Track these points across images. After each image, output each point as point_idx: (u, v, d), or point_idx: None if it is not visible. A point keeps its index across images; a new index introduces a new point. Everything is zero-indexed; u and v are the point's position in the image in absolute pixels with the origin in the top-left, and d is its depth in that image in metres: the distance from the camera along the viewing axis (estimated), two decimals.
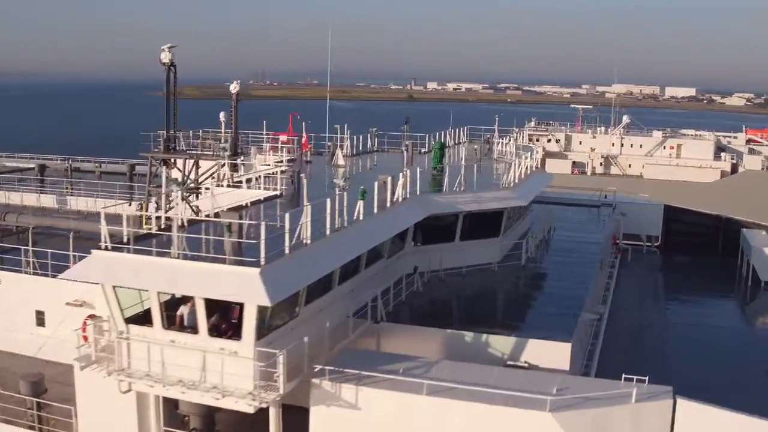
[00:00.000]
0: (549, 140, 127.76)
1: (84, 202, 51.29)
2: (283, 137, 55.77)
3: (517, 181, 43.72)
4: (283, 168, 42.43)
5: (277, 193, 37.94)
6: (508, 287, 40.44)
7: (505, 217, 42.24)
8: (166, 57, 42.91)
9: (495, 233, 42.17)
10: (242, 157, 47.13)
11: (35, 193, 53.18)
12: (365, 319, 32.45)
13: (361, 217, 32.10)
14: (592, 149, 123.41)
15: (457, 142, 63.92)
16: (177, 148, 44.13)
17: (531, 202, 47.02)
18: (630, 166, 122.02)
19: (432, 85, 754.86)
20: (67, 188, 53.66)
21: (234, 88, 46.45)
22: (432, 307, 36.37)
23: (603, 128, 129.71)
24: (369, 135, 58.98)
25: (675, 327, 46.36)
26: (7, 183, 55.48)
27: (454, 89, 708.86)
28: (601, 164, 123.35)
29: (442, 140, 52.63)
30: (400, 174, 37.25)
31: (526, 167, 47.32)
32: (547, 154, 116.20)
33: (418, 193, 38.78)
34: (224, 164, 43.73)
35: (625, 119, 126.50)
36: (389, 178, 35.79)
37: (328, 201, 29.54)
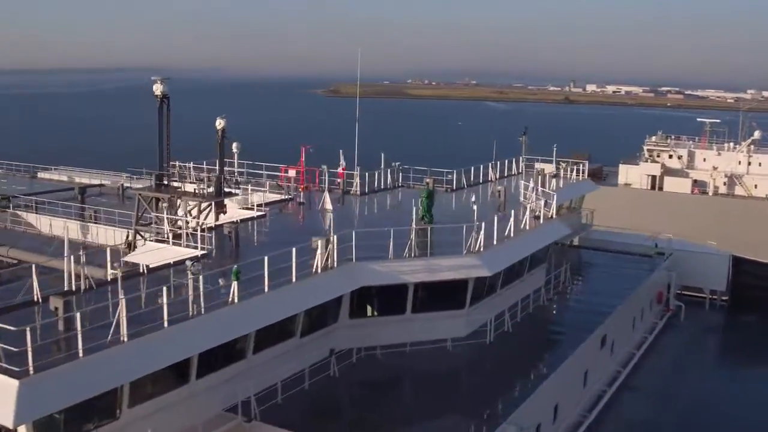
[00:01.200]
0: (670, 156, 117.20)
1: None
2: (291, 172, 52.24)
3: (509, 235, 38.31)
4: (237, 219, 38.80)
5: (198, 255, 34.02)
6: (447, 373, 34.40)
7: (472, 287, 35.92)
8: (158, 89, 41.01)
9: (459, 305, 35.96)
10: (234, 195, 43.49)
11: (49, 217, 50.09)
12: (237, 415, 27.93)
13: (235, 300, 27.43)
14: (715, 168, 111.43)
15: (505, 173, 57.67)
16: (169, 183, 42.24)
17: (549, 248, 42.70)
18: (756, 187, 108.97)
19: (591, 87, 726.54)
20: (90, 214, 50.07)
21: (219, 124, 43.07)
22: (333, 402, 31.28)
23: (731, 144, 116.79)
24: (391, 169, 54.09)
25: (712, 402, 38.93)
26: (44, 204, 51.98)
27: (614, 92, 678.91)
28: (724, 184, 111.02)
29: (430, 189, 44.69)
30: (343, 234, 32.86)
31: (537, 215, 42.60)
32: (667, 171, 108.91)
33: (354, 258, 33.18)
34: (209, 205, 40.67)
35: (757, 134, 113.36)
36: (320, 241, 31.21)
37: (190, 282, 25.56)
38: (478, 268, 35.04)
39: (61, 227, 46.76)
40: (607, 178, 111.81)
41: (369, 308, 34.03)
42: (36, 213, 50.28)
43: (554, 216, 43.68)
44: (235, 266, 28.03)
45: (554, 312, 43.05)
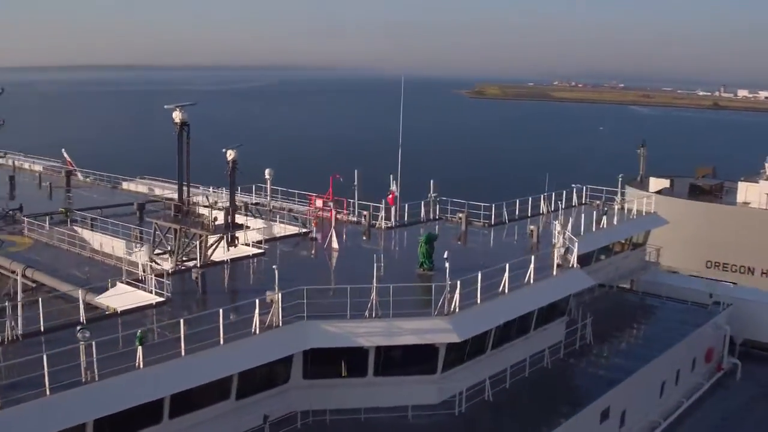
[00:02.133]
0: None
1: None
2: (318, 202, 51.12)
3: (503, 290, 34.71)
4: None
5: (155, 301, 33.23)
6: None
7: (444, 353, 32.58)
8: (177, 117, 41.43)
9: (430, 369, 32.99)
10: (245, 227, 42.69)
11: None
12: None
13: (140, 366, 26.39)
14: None
15: (566, 204, 54.07)
16: (189, 211, 42.27)
17: (569, 299, 38.84)
18: None
19: (743, 93, 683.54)
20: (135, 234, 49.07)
21: (230, 155, 42.54)
22: None
23: None
24: (429, 200, 51.84)
25: None
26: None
27: (766, 98, 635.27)
28: None
29: (430, 233, 39.95)
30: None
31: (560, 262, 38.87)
32: None
33: (306, 316, 30.75)
34: (218, 239, 40.39)
35: None
36: (276, 296, 29.81)
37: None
38: (447, 333, 31.48)
39: (109, 246, 47.59)
40: (728, 195, 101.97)
41: (325, 369, 31.50)
42: (90, 229, 50.91)
43: (574, 264, 40.06)
44: (139, 331, 26.35)
45: (563, 374, 39.12)
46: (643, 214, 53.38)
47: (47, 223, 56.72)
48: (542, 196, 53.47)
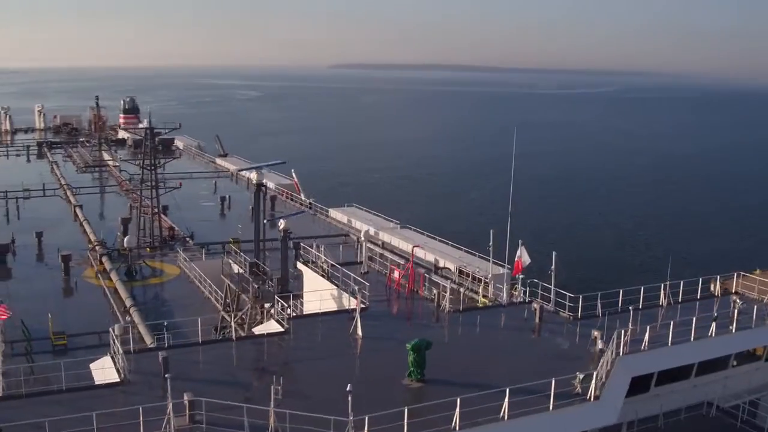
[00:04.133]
0: None
1: None
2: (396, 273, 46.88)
3: None
4: None
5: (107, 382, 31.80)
6: None
7: None
8: (254, 178, 42.62)
9: None
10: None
11: None
12: None
13: None
14: None
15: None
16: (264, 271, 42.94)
17: None
18: None
19: None
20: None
21: (282, 225, 41.63)
22: None
23: None
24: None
25: None
26: None
27: None
28: None
29: (420, 342, 32.35)
30: None
31: None
32: None
33: None
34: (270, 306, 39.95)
35: None
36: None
37: None
38: None
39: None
40: None
41: None
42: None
43: (593, 396, 30.69)
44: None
45: None
46: None
47: (203, 254, 60.05)
48: (663, 284, 43.42)
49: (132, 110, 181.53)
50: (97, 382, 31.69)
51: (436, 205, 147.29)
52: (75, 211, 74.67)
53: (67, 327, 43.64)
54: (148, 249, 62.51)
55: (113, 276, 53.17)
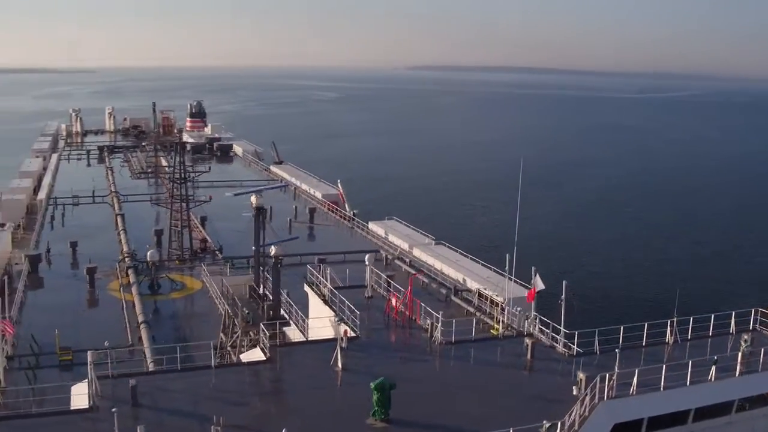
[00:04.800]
0: None
1: None
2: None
3: None
4: None
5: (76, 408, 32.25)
6: None
7: None
8: (254, 201, 43.47)
9: None
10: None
11: None
12: None
13: None
14: None
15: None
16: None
17: None
18: None
19: None
20: None
21: (273, 251, 41.59)
22: None
23: None
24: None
25: None
26: None
27: None
28: None
29: (383, 382, 31.26)
30: None
31: None
32: None
33: None
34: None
35: None
36: None
37: None
38: None
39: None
40: None
41: None
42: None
43: None
44: None
45: None
46: None
47: (228, 268, 60.39)
48: (669, 321, 41.42)
49: (199, 114, 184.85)
50: (72, 407, 32.32)
51: (489, 215, 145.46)
52: (116, 220, 75.95)
53: (78, 341, 44.52)
54: (177, 261, 63.38)
55: (134, 290, 54.18)
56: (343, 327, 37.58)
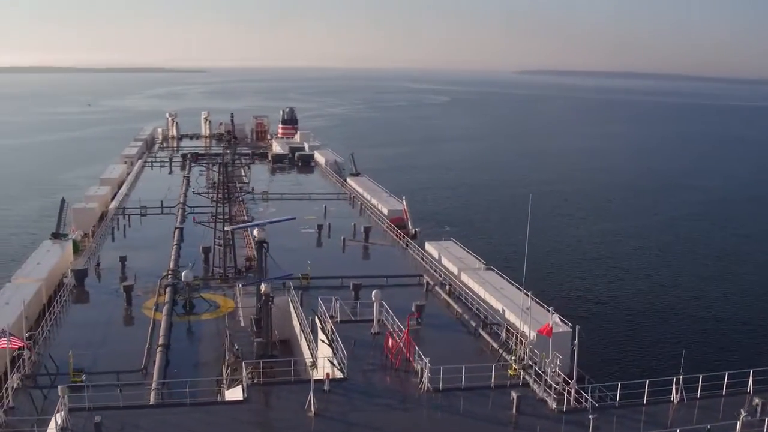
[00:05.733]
0: None
1: None
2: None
3: None
4: None
5: None
6: None
7: None
8: (257, 235, 43.84)
9: None
10: None
11: None
12: None
13: None
14: None
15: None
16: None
17: None
18: None
19: None
20: None
21: (264, 289, 42.19)
22: None
23: None
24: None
25: None
26: None
27: None
28: None
29: None
30: None
31: None
32: None
33: None
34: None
35: None
36: None
37: None
38: None
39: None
40: None
41: None
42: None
43: None
44: None
45: None
46: None
47: (262, 289, 60.77)
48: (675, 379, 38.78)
49: (290, 121, 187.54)
50: None
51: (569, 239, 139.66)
52: (174, 234, 77.00)
53: (96, 362, 45.89)
54: (219, 280, 64.14)
55: (165, 310, 54.99)
56: (327, 368, 37.39)
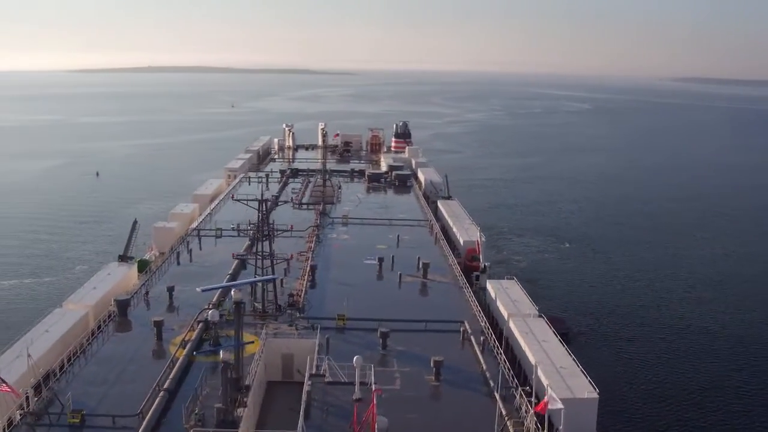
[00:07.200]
0: None
1: None
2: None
3: None
4: None
5: None
6: None
7: None
8: (235, 296, 44.83)
9: None
10: None
11: None
12: None
13: None
14: None
15: None
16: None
17: None
18: None
19: None
20: None
21: (223, 355, 42.23)
22: None
23: None
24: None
25: None
26: None
27: None
28: None
29: None
30: None
31: None
32: None
33: None
34: None
35: None
36: None
37: None
38: None
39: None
40: None
41: None
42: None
43: None
44: None
45: None
46: None
47: (296, 329, 59.95)
48: None
49: (403, 135, 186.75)
50: None
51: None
52: (234, 262, 75.11)
53: (100, 403, 46.68)
54: (256, 316, 62.88)
55: (188, 348, 54.69)
56: None
